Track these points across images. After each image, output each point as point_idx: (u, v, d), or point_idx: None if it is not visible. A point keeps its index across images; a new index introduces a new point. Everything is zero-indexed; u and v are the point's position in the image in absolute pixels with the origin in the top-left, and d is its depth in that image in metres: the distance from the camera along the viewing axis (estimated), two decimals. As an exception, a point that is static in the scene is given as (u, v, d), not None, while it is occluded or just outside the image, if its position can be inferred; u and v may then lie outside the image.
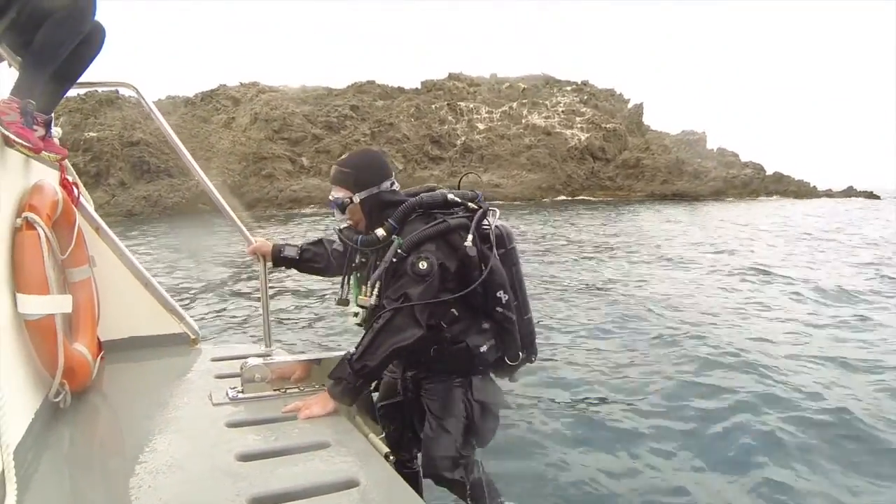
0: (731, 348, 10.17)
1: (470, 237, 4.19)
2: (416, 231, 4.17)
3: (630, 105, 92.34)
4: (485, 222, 4.38)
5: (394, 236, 4.21)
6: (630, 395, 8.21)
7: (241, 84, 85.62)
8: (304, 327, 11.70)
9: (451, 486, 4.35)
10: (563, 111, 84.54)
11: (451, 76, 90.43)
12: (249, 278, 16.47)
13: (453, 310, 4.33)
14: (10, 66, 4.35)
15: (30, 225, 3.52)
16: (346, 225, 4.56)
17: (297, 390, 4.31)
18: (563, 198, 73.18)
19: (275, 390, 4.27)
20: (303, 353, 4.97)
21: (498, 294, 4.37)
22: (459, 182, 4.83)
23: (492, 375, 4.64)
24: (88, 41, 4.30)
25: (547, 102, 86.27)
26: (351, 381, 3.94)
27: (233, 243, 22.44)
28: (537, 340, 4.84)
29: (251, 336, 10.09)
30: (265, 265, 5.13)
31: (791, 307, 13.85)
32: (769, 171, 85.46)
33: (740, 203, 67.69)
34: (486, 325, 4.43)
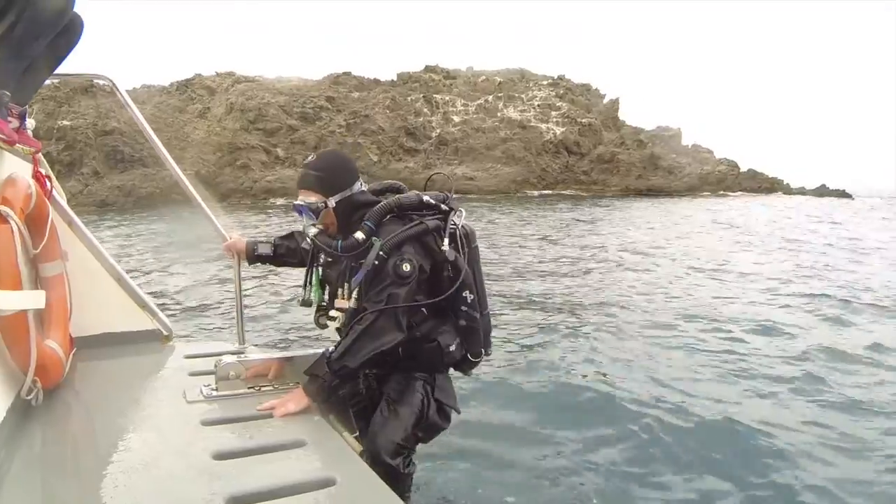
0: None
1: (447, 240, 4.34)
2: (393, 233, 4.20)
3: (606, 100, 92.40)
4: (451, 222, 4.46)
5: (373, 238, 4.21)
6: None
7: (217, 74, 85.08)
8: (276, 325, 11.65)
9: (387, 471, 4.18)
10: (538, 105, 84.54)
11: (428, 69, 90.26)
12: (222, 274, 16.34)
13: (423, 308, 4.46)
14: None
15: (2, 218, 3.47)
16: (317, 230, 4.46)
17: (271, 388, 4.29)
18: (537, 192, 73.25)
19: (249, 388, 4.24)
20: (276, 350, 4.95)
21: (464, 294, 4.53)
22: (427, 181, 5.03)
23: (449, 375, 4.80)
24: (66, 32, 4.23)
25: (523, 96, 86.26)
26: (328, 381, 3.96)
27: (205, 238, 22.45)
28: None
29: (224, 334, 10.08)
30: (239, 263, 5.20)
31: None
32: (744, 168, 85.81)
33: (708, 200, 67.97)
34: (452, 324, 4.58)
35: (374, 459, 4.15)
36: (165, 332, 5.52)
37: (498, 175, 73.41)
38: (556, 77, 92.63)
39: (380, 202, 4.37)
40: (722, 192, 77.72)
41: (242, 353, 4.98)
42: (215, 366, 4.25)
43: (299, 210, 4.42)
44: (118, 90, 5.10)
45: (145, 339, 5.42)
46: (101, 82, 5.17)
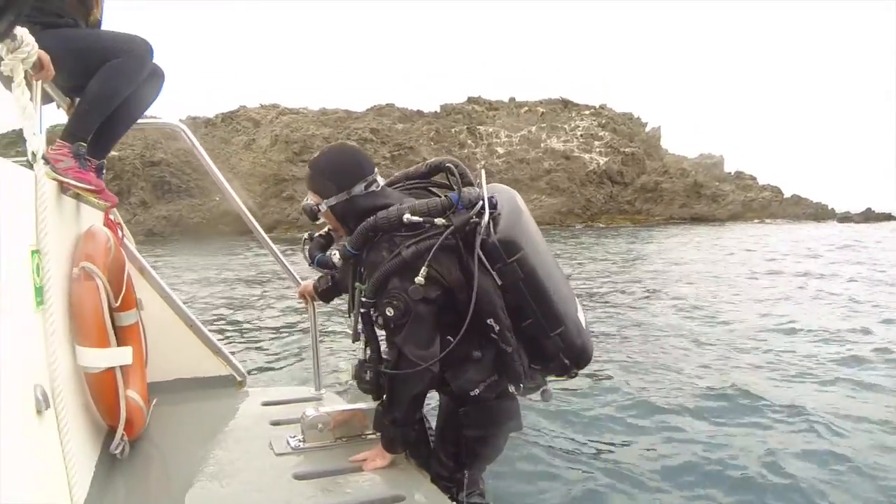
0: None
1: (423, 271, 3.68)
2: (375, 264, 3.81)
3: (648, 129, 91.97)
4: (444, 239, 3.78)
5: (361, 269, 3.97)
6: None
7: (262, 106, 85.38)
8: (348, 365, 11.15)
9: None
10: (581, 135, 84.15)
11: (471, 100, 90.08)
12: (286, 313, 16.01)
13: (449, 337, 3.89)
14: (58, 107, 4.41)
15: (87, 275, 3.50)
16: (323, 231, 4.37)
17: (358, 438, 4.28)
18: (582, 224, 72.87)
19: (337, 439, 4.22)
20: (357, 398, 4.92)
21: (488, 322, 3.86)
22: (432, 168, 4.38)
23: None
24: (146, 85, 4.31)
25: (565, 126, 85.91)
26: (392, 433, 3.85)
27: (262, 272, 22.09)
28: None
29: (295, 374, 9.94)
30: (314, 308, 5.16)
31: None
32: (787, 194, 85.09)
33: (751, 226, 67.05)
34: (481, 356, 3.97)
35: None
36: (239, 378, 5.55)
37: (543, 206, 72.87)
38: (598, 106, 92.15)
39: (385, 206, 3.85)
40: (767, 220, 76.89)
41: (320, 399, 5.05)
42: (302, 417, 4.21)
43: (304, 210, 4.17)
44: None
45: (219, 384, 5.45)
46: (150, 112, 5.20)
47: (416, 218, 3.81)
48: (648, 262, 32.11)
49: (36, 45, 2.88)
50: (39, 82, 3.28)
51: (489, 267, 3.85)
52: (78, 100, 4.17)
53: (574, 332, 4.09)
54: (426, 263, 3.68)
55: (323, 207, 4.01)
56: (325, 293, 4.89)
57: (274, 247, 5.25)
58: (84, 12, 4.36)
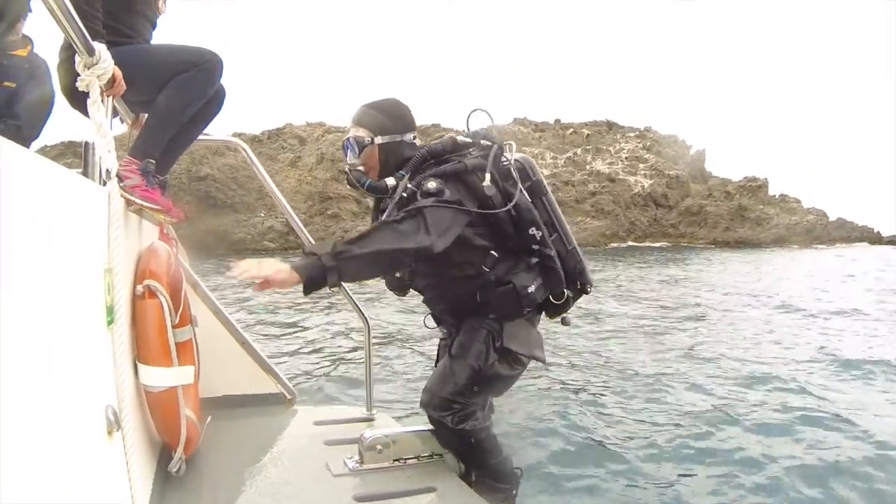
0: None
1: (488, 176, 4.01)
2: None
3: (692, 151, 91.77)
4: (503, 158, 4.20)
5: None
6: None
7: (308, 123, 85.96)
8: (403, 385, 10.97)
9: (436, 427, 4.20)
10: (626, 157, 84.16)
11: (517, 121, 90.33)
12: (334, 334, 15.53)
13: (493, 252, 4.21)
14: (122, 122, 4.41)
15: (152, 293, 3.47)
16: (358, 169, 4.31)
17: (415, 460, 4.26)
18: (626, 244, 72.69)
19: (394, 461, 4.20)
20: (413, 418, 4.83)
21: (531, 231, 4.23)
22: (468, 120, 4.53)
23: (530, 322, 4.44)
24: (210, 101, 4.34)
25: (611, 149, 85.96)
26: (324, 262, 3.45)
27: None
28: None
29: (345, 395, 9.85)
30: (369, 329, 5.18)
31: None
32: (832, 217, 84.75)
33: (795, 252, 66.66)
34: (531, 263, 4.31)
35: (428, 417, 4.19)
36: (289, 396, 5.53)
37: (588, 228, 72.99)
38: (642, 129, 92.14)
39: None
40: (818, 244, 76.47)
41: (372, 419, 5.05)
42: (360, 438, 4.20)
43: (346, 147, 4.34)
44: (248, 154, 5.18)
45: (269, 402, 5.45)
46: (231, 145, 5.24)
47: (467, 139, 4.32)
48: (690, 287, 31.74)
49: (112, 62, 2.90)
50: (110, 98, 3.28)
51: (521, 187, 4.21)
52: (145, 115, 4.20)
53: (580, 251, 4.59)
54: (487, 169, 4.02)
55: (377, 141, 4.23)
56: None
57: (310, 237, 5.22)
58: (149, 25, 4.41)
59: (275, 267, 3.34)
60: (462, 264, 4.21)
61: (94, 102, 2.76)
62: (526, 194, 4.25)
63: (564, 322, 4.71)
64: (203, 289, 5.25)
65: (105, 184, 2.73)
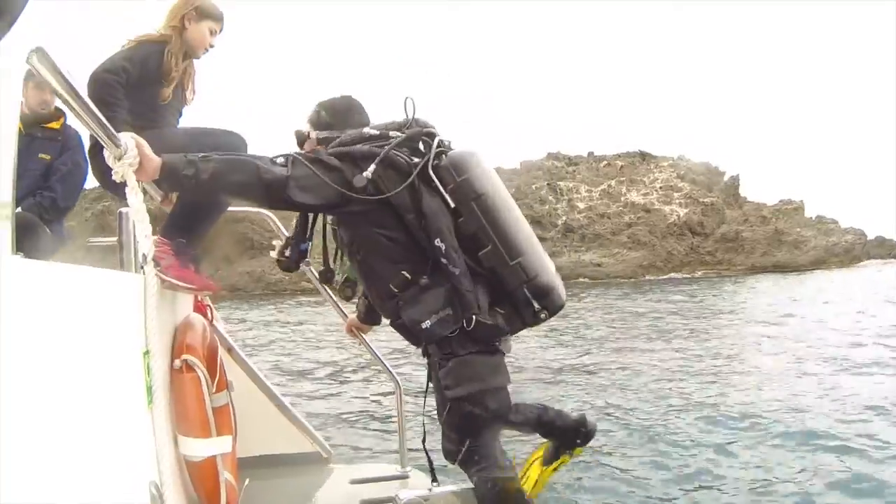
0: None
1: (371, 168, 3.82)
2: None
3: (726, 177, 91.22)
4: (401, 152, 4.02)
5: None
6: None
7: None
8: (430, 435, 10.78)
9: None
10: (660, 187, 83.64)
11: (550, 155, 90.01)
12: (369, 388, 15.50)
13: (404, 272, 3.99)
14: (152, 200, 4.56)
15: (189, 367, 3.58)
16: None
17: None
18: (665, 276, 72.21)
19: None
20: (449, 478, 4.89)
21: (436, 242, 3.92)
22: (406, 108, 4.32)
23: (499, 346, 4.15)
24: None
25: (644, 179, 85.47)
26: (188, 157, 3.43)
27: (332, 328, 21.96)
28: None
29: (384, 449, 9.85)
30: (400, 388, 5.25)
31: None
32: (871, 236, 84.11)
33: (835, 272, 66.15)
34: (436, 284, 3.97)
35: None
36: (325, 454, 5.59)
37: (625, 260, 72.61)
38: (675, 157, 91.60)
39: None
40: (860, 264, 75.85)
41: (407, 476, 5.10)
42: (395, 500, 4.28)
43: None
44: (276, 224, 5.49)
45: (306, 461, 5.50)
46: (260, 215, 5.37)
47: (374, 131, 4.13)
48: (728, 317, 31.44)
49: (137, 150, 3.00)
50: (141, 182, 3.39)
51: (441, 189, 4.02)
52: (174, 193, 4.32)
53: (537, 265, 4.13)
54: (374, 163, 3.85)
55: (313, 134, 4.31)
56: (367, 316, 4.96)
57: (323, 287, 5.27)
58: (176, 114, 4.58)
59: (151, 156, 3.21)
60: (377, 281, 4.18)
61: (132, 190, 2.87)
62: (448, 197, 4.03)
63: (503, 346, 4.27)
64: (238, 352, 5.38)
65: (142, 269, 2.83)
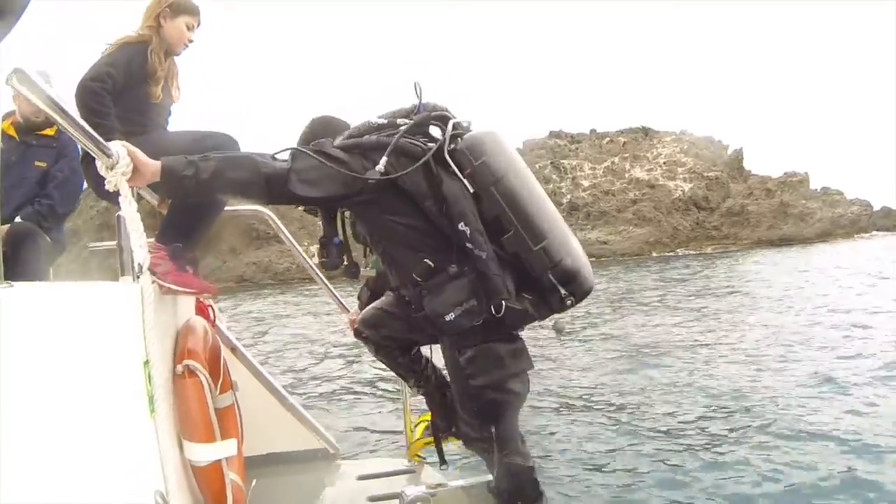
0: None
1: (383, 160, 3.68)
2: None
3: (730, 151, 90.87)
4: (415, 138, 3.88)
5: None
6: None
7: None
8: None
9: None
10: (664, 163, 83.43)
11: (552, 134, 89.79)
12: (375, 382, 15.22)
13: (426, 260, 3.84)
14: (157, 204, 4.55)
15: (191, 372, 3.58)
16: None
17: None
18: (670, 252, 72.01)
19: None
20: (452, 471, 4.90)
21: (459, 227, 3.75)
22: (417, 92, 4.16)
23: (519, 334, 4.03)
24: None
25: (648, 155, 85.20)
26: (187, 158, 3.38)
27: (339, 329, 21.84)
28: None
29: (392, 443, 9.79)
30: (405, 383, 5.11)
31: None
32: (877, 207, 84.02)
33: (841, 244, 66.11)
34: (462, 272, 3.79)
35: None
36: (332, 451, 5.60)
37: (631, 237, 72.57)
38: (678, 132, 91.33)
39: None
40: (863, 235, 75.63)
41: (414, 471, 5.08)
42: (401, 495, 4.25)
43: None
44: (277, 224, 5.43)
45: (313, 457, 5.51)
46: (261, 215, 5.35)
47: (382, 120, 3.98)
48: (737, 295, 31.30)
49: (129, 158, 2.99)
50: (135, 188, 3.37)
51: (459, 174, 3.83)
52: (169, 202, 4.30)
53: (562, 249, 3.89)
54: (386, 154, 3.69)
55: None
56: (368, 304, 4.86)
57: (324, 279, 5.36)
58: (165, 113, 4.59)
59: (148, 160, 3.17)
60: (400, 271, 4.08)
61: (125, 198, 2.86)
62: (467, 182, 3.84)
63: (556, 330, 4.32)
64: (242, 351, 5.38)
65: (138, 278, 2.83)
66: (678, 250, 72.28)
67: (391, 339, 4.55)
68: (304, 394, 14.21)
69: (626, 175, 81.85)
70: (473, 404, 4.00)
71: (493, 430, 3.98)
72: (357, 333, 4.73)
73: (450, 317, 3.74)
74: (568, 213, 75.98)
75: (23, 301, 1.76)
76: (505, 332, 3.95)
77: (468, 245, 3.73)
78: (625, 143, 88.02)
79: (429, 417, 4.89)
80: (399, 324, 4.38)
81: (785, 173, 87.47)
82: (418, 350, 4.67)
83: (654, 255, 70.21)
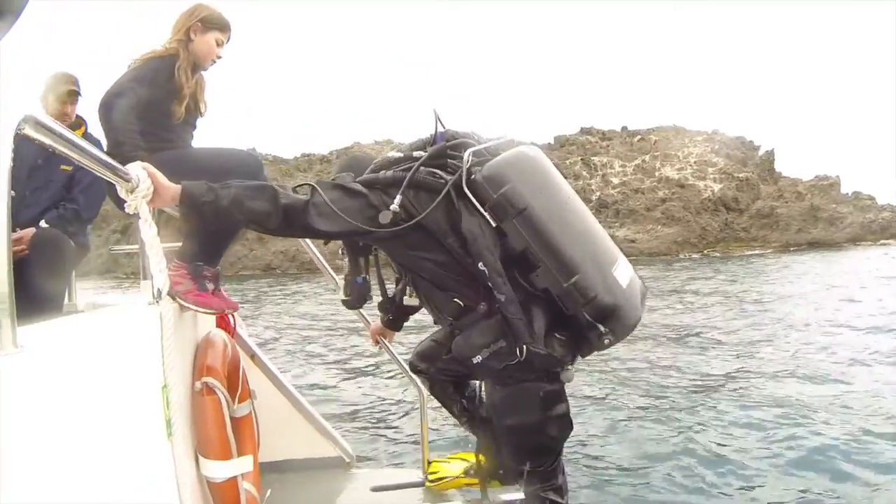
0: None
1: (397, 199, 3.60)
2: None
3: (761, 152, 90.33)
4: (433, 172, 3.77)
5: None
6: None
7: (376, 142, 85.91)
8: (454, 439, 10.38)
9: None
10: (694, 162, 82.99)
11: (584, 130, 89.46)
12: (392, 393, 14.58)
13: (456, 300, 3.79)
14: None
15: (209, 390, 3.61)
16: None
17: None
18: (698, 254, 71.51)
19: None
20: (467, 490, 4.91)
21: (479, 266, 3.56)
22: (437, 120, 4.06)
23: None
24: None
25: (679, 154, 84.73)
26: (207, 184, 3.35)
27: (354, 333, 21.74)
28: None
29: (407, 453, 9.73)
30: (423, 394, 5.17)
31: None
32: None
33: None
34: (486, 308, 3.71)
35: None
36: (347, 459, 5.61)
37: (659, 236, 72.19)
38: (709, 132, 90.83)
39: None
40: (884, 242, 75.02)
41: (424, 484, 5.09)
42: None
43: None
44: (310, 248, 5.56)
45: (328, 465, 5.52)
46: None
47: (398, 153, 3.95)
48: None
49: (149, 180, 3.00)
50: (155, 210, 3.39)
51: (479, 208, 3.64)
52: None
53: (597, 282, 3.66)
54: (401, 190, 3.62)
55: None
56: (393, 321, 4.92)
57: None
58: (190, 128, 4.60)
59: (167, 184, 3.16)
60: (433, 308, 4.06)
61: (145, 221, 2.87)
62: (488, 216, 3.64)
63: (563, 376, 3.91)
64: (261, 357, 5.41)
65: (157, 302, 2.84)
66: (706, 251, 71.79)
67: (446, 371, 4.56)
68: (321, 399, 14.22)
69: (656, 173, 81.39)
70: (510, 440, 4.00)
71: (529, 464, 3.92)
72: (412, 367, 4.78)
73: (477, 359, 3.68)
74: (597, 210, 75.55)
75: (43, 342, 1.80)
76: (543, 373, 3.79)
77: (488, 284, 3.57)
78: (656, 141, 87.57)
79: (465, 456, 4.93)
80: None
81: (816, 176, 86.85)
82: (472, 387, 4.67)
83: (681, 255, 69.68)
